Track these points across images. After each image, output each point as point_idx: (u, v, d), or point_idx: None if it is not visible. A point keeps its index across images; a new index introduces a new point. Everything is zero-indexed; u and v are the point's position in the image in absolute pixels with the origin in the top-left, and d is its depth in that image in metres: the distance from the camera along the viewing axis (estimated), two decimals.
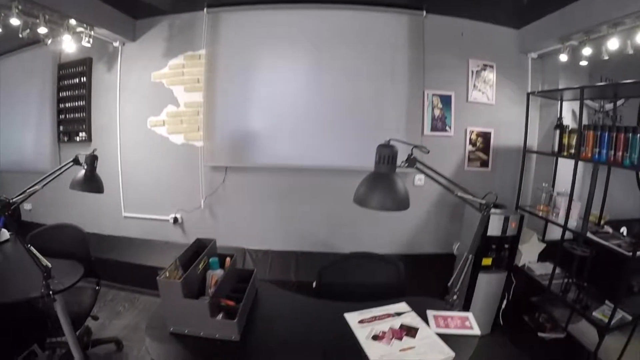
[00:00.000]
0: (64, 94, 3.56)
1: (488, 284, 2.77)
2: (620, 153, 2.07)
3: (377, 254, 1.98)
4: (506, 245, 2.73)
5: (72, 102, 3.53)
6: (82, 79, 3.47)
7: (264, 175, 3.33)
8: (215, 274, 1.53)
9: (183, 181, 3.42)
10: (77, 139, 3.55)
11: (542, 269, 2.79)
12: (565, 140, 2.57)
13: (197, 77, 3.24)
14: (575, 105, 2.94)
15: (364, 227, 3.36)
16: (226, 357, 1.29)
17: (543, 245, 2.91)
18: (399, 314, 1.53)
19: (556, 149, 2.65)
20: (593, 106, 3.01)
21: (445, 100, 3.17)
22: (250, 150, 3.26)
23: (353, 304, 1.60)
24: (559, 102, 2.93)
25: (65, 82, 3.54)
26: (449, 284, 1.62)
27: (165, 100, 3.32)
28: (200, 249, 1.66)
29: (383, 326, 1.45)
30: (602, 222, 2.59)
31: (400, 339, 1.37)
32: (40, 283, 1.63)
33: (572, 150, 2.49)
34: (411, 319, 1.51)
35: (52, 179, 1.80)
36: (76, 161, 1.90)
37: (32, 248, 1.64)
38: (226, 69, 3.19)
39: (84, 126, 3.50)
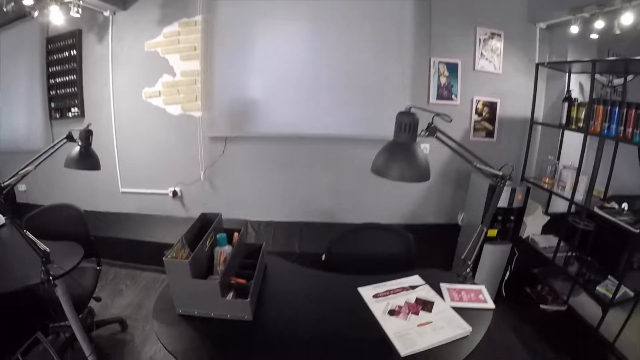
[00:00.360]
0: (53, 68, 3.39)
1: (492, 256, 2.79)
2: (630, 129, 2.04)
3: (386, 225, 1.95)
4: (512, 217, 2.74)
5: (63, 76, 3.37)
6: (72, 52, 3.29)
7: (265, 144, 3.25)
8: (224, 251, 1.47)
9: (181, 153, 3.33)
10: (70, 114, 3.41)
11: (546, 242, 2.79)
12: (574, 114, 2.52)
13: (194, 44, 3.09)
14: (583, 78, 2.90)
15: (367, 196, 3.34)
16: (239, 338, 1.24)
17: (547, 218, 2.90)
18: (413, 288, 1.51)
19: (564, 121, 2.59)
20: (601, 80, 2.94)
21: (452, 68, 3.06)
22: (250, 120, 3.16)
23: (365, 277, 1.57)
24: (567, 74, 2.85)
25: (55, 56, 3.36)
26: (463, 256, 1.59)
27: (161, 69, 3.17)
28: (205, 224, 1.59)
29: (398, 300, 1.42)
30: (606, 197, 2.58)
31: (416, 313, 1.34)
32: (39, 268, 1.57)
33: (580, 124, 2.44)
34: (426, 292, 1.48)
35: (45, 158, 1.70)
36: (70, 137, 1.80)
37: (28, 233, 1.56)
38: (224, 35, 3.04)
39: (76, 101, 3.36)
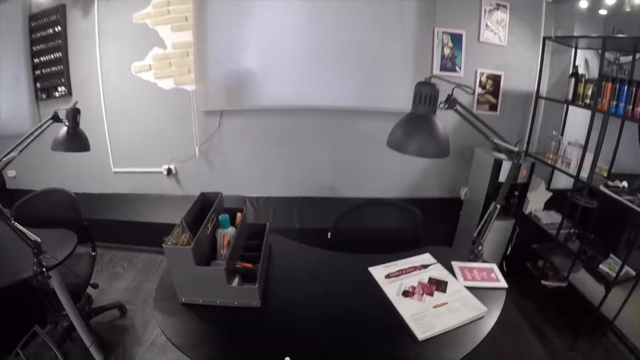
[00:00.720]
0: (37, 47, 3.21)
1: (496, 231, 2.77)
2: (638, 109, 1.99)
3: (388, 199, 1.90)
4: (516, 193, 2.71)
5: (48, 55, 3.19)
6: (56, 28, 3.10)
7: (262, 117, 3.16)
8: (227, 233, 1.39)
9: (175, 129, 3.22)
10: (57, 94, 3.25)
11: (548, 218, 2.77)
12: (580, 90, 2.45)
13: (185, 14, 2.92)
14: (588, 54, 2.82)
15: (367, 170, 3.29)
16: (249, 326, 1.18)
17: (550, 194, 2.87)
18: (425, 267, 1.47)
19: (570, 97, 2.52)
20: (607, 57, 2.86)
21: (456, 39, 2.94)
22: (247, 92, 3.05)
23: (373, 256, 1.52)
24: (574, 49, 2.76)
25: (39, 34, 3.17)
26: (475, 234, 1.54)
27: (150, 42, 3.01)
28: (205, 204, 1.51)
29: (411, 280, 1.37)
30: (610, 175, 2.53)
31: (431, 294, 1.30)
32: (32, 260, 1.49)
33: (587, 100, 2.38)
34: (438, 271, 1.44)
35: (30, 142, 1.58)
36: (55, 118, 1.64)
37: (16, 224, 1.47)
38: (217, 4, 2.88)
39: (62, 80, 3.19)
